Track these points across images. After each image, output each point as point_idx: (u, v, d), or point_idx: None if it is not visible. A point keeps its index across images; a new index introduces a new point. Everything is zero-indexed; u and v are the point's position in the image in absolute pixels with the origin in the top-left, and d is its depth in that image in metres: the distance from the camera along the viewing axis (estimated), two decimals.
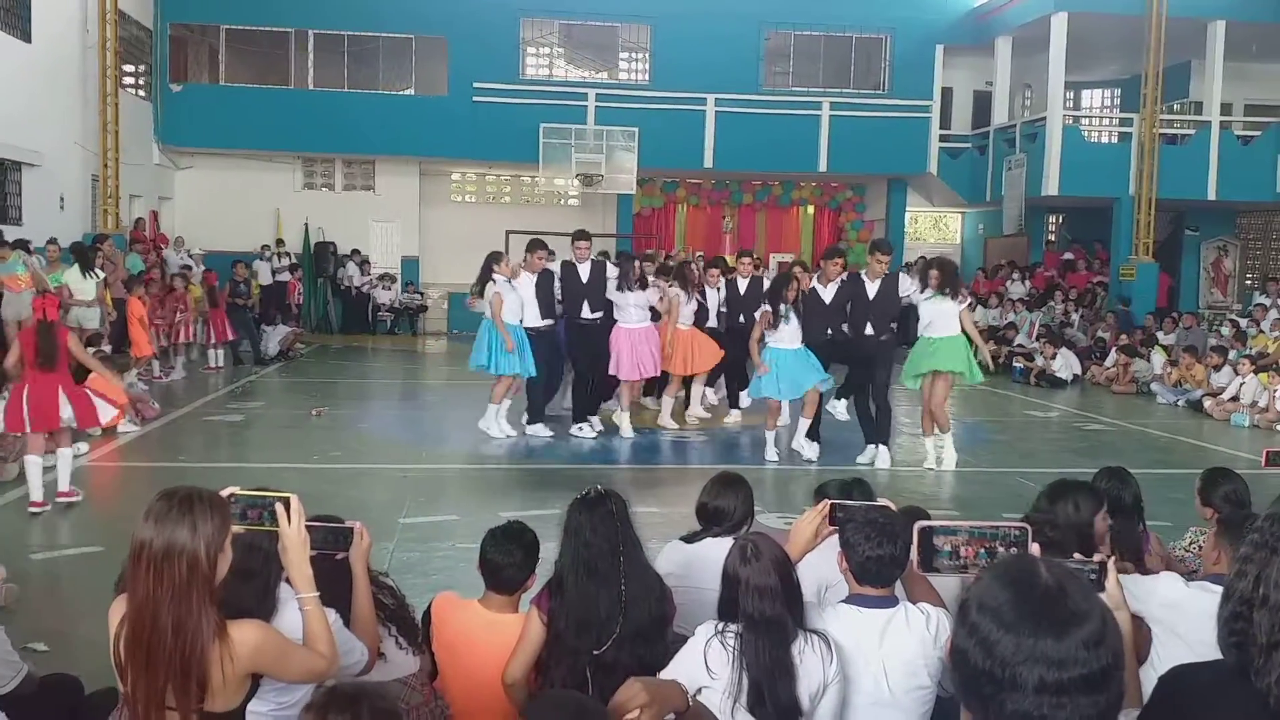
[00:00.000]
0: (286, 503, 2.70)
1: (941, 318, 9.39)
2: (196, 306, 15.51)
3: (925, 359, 9.46)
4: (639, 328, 10.70)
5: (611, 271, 10.86)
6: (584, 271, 10.72)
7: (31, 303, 8.52)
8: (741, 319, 11.26)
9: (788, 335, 9.41)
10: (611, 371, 10.72)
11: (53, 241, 13.28)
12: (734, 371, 11.76)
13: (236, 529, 2.60)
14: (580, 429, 10.72)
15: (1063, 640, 1.54)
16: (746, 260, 11.91)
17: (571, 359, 11.11)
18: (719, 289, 11.87)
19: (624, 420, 10.80)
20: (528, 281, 10.56)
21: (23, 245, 12.93)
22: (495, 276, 10.34)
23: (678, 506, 7.33)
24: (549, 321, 10.71)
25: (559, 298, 10.79)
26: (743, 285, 11.57)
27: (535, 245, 10.81)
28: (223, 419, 11.55)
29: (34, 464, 7.41)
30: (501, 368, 10.33)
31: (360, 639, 3.09)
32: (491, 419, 10.59)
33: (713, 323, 11.80)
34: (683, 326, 11.27)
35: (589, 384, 11.00)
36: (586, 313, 10.73)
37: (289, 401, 13.22)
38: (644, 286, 10.77)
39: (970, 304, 10.28)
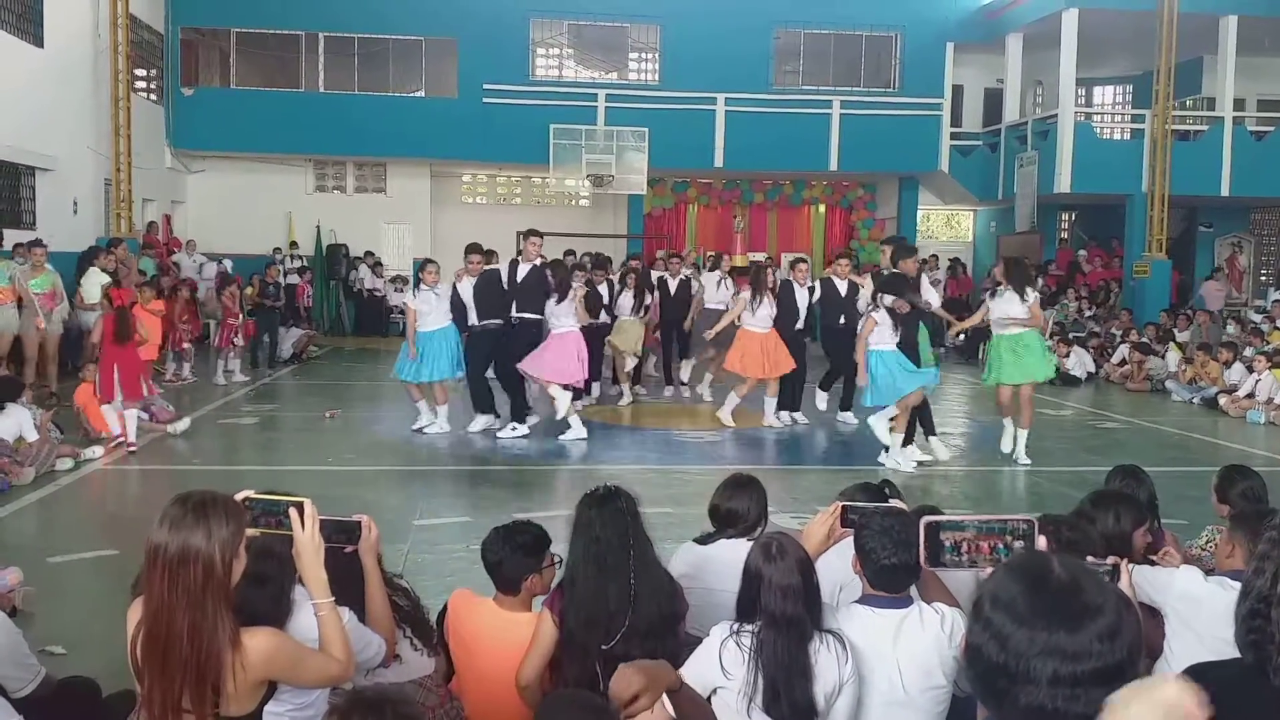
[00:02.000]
0: (301, 507, 2.70)
1: (1010, 314, 9.59)
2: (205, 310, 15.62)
3: (1012, 368, 9.60)
4: (566, 333, 10.59)
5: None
6: (521, 271, 10.73)
7: (110, 293, 10.57)
8: (842, 320, 11.26)
9: (887, 336, 9.16)
10: (534, 371, 10.57)
11: (38, 244, 12.90)
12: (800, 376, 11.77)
13: (251, 533, 2.61)
14: (514, 429, 10.74)
15: (1077, 633, 1.54)
16: (845, 261, 11.82)
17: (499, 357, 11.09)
18: (810, 287, 11.72)
19: (576, 422, 10.57)
20: (468, 285, 10.79)
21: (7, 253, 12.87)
22: (422, 286, 10.72)
23: (691, 508, 7.33)
24: (497, 321, 10.76)
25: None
26: (842, 286, 11.45)
27: (471, 250, 10.98)
28: (237, 422, 11.59)
29: (117, 415, 9.60)
30: (433, 375, 10.62)
31: (376, 632, 3.10)
32: (425, 415, 10.88)
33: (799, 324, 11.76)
34: (760, 330, 11.19)
35: (518, 383, 10.92)
36: (514, 312, 10.77)
37: (303, 404, 13.26)
38: (562, 295, 10.60)
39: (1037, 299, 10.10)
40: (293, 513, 2.69)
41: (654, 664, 2.83)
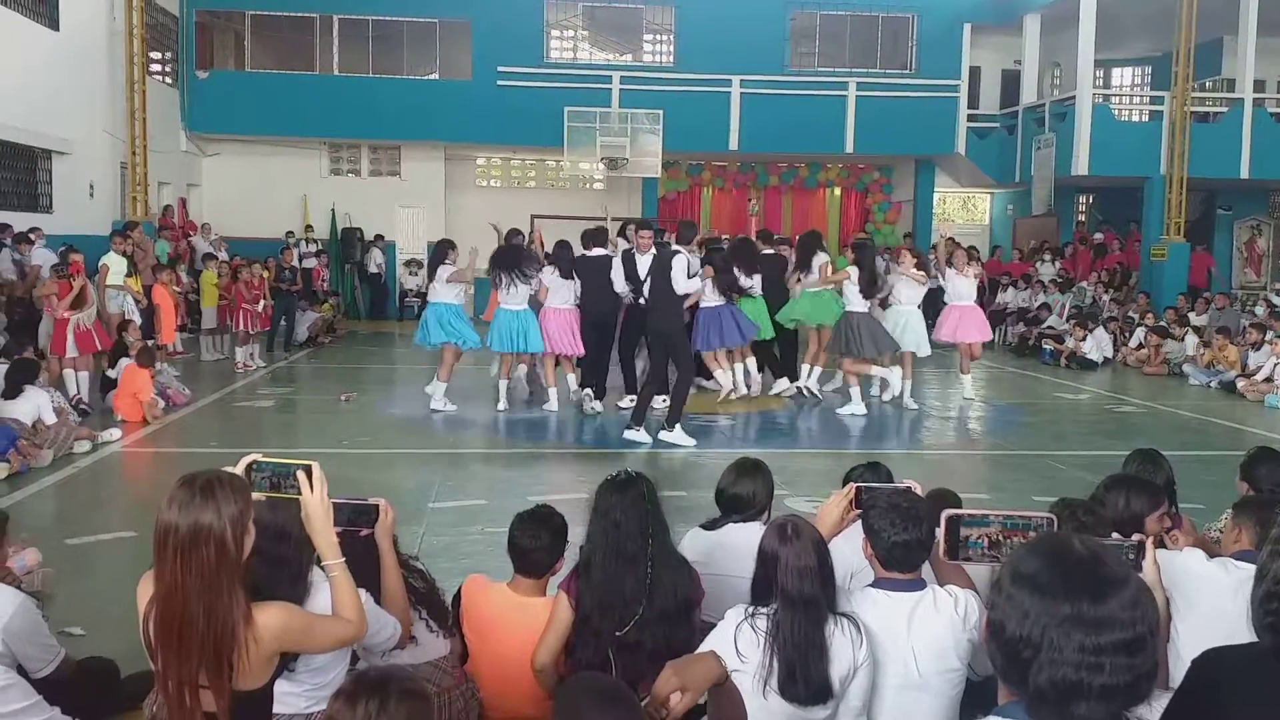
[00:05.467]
0: (309, 470, 2.71)
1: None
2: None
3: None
4: (562, 308, 11.08)
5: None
6: (643, 263, 10.68)
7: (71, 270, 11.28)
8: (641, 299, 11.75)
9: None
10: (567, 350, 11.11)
11: (35, 230, 13.19)
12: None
13: (258, 496, 2.61)
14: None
15: (1100, 603, 1.55)
16: (646, 233, 11.58)
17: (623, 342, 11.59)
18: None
19: (553, 395, 11.18)
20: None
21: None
22: (450, 260, 11.18)
23: (705, 491, 7.33)
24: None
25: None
26: (644, 262, 11.32)
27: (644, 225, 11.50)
28: (253, 404, 11.64)
29: (71, 376, 10.74)
30: (469, 341, 11.15)
31: (391, 614, 3.11)
32: (438, 393, 11.18)
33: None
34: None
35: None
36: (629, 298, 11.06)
37: (318, 387, 13.31)
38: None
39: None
40: (300, 475, 2.69)
41: (698, 658, 2.83)
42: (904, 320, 11.52)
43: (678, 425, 9.57)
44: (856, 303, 11.16)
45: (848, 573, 3.53)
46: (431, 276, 11.46)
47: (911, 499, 3.06)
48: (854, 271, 11.19)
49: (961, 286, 12.30)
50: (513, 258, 11.02)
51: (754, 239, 12.65)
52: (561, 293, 11.09)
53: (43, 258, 12.62)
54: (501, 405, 11.16)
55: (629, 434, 9.69)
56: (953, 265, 12.34)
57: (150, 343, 11.72)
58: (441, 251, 11.35)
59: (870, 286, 11.18)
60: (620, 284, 10.86)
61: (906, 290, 11.65)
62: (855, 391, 11.30)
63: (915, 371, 12.09)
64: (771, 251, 12.47)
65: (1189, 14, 18.07)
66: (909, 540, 2.98)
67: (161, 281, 13.73)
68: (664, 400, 10.51)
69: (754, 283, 11.43)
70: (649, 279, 9.96)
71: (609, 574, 3.33)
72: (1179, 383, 14.84)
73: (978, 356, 12.60)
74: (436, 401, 11.14)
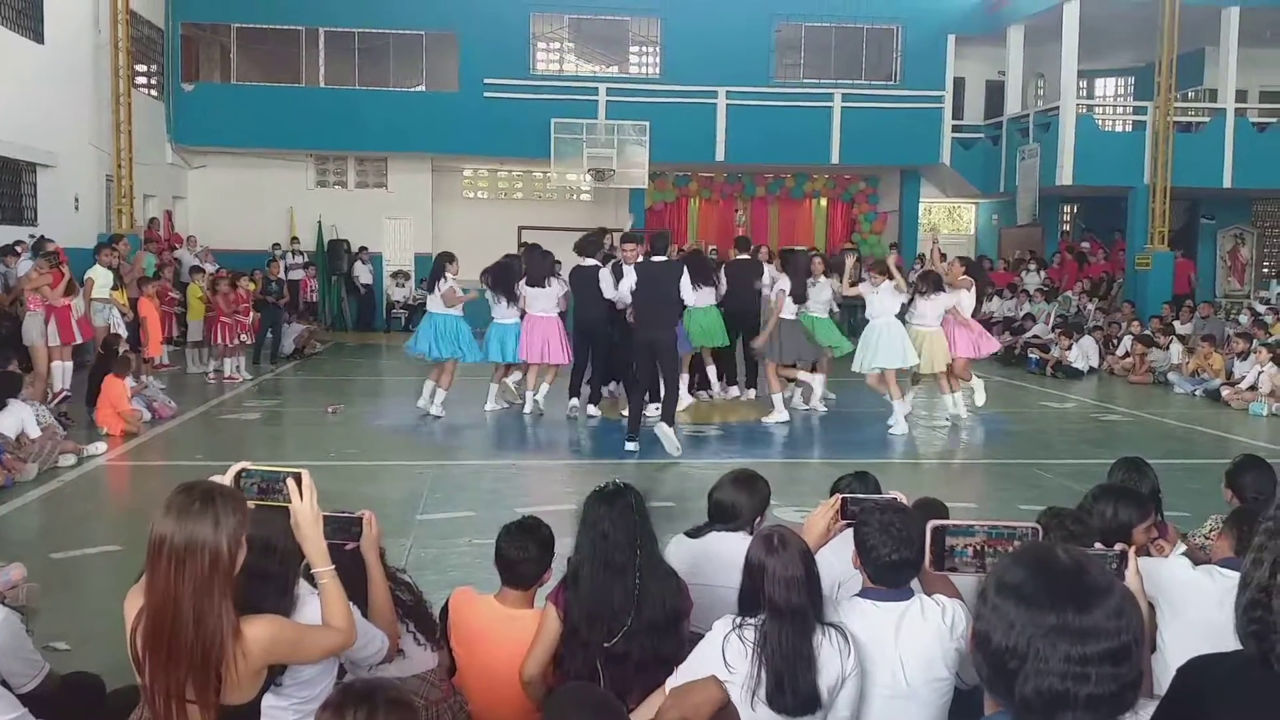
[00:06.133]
0: (299, 477, 2.70)
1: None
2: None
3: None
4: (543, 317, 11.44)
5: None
6: (630, 273, 10.69)
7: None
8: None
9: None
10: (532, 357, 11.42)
11: (19, 243, 13.24)
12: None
13: (248, 504, 2.61)
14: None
15: (1085, 613, 1.55)
16: (630, 246, 11.47)
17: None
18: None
19: (529, 395, 11.57)
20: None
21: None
22: (447, 275, 11.41)
23: (694, 501, 7.32)
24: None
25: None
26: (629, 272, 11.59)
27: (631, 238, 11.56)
28: (239, 417, 11.60)
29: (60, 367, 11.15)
30: (470, 356, 11.43)
31: (378, 627, 3.10)
32: (438, 400, 11.38)
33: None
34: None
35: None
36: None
37: (305, 399, 13.27)
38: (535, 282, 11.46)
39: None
40: (290, 483, 2.68)
41: (698, 685, 2.82)
42: (877, 334, 11.01)
43: (672, 424, 9.66)
44: (786, 310, 11.31)
45: (834, 582, 3.53)
46: (431, 288, 11.59)
47: (905, 519, 3.06)
48: (784, 278, 11.40)
49: (958, 300, 12.09)
50: (508, 276, 11.47)
51: (732, 247, 12.84)
52: (540, 301, 11.37)
53: (28, 270, 12.56)
54: (489, 405, 11.77)
55: (629, 446, 9.65)
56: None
57: (136, 353, 11.68)
58: (440, 264, 11.51)
59: (800, 292, 11.40)
60: (610, 292, 10.87)
61: (880, 303, 11.08)
62: (778, 399, 11.36)
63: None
64: (746, 257, 12.50)
65: (1171, 25, 18.20)
66: (900, 561, 2.99)
67: (147, 294, 13.68)
68: (656, 406, 10.47)
69: (704, 293, 11.42)
70: (638, 290, 9.92)
71: (597, 585, 3.33)
72: (1164, 391, 14.91)
73: (963, 374, 12.07)
74: (434, 407, 11.27)
